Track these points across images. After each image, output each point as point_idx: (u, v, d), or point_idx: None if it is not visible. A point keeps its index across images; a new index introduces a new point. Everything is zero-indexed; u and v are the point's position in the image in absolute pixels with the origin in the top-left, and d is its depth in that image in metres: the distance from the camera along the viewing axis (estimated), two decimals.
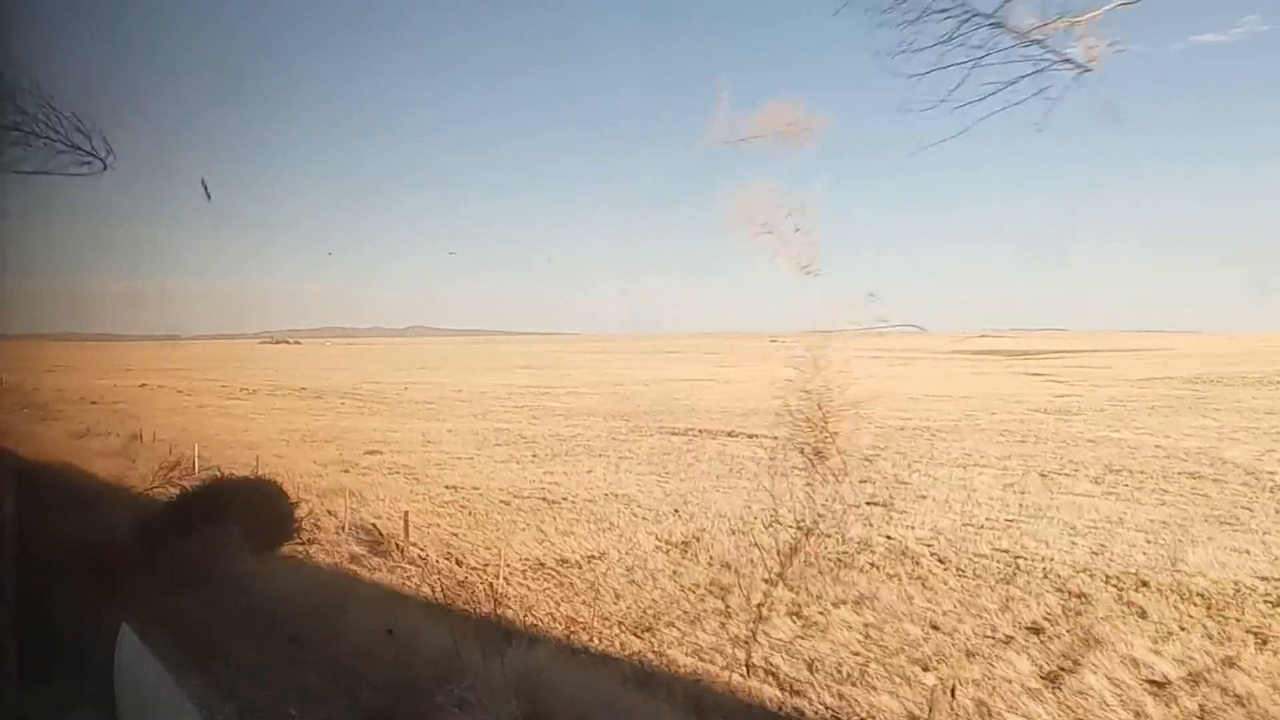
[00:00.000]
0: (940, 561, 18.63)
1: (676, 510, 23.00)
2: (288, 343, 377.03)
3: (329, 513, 21.56)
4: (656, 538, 20.07)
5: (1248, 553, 19.14)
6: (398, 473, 27.70)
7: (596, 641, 13.88)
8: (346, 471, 28.14)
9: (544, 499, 24.02)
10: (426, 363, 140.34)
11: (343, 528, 20.23)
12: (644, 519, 21.85)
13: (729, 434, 38.79)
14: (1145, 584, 17.07)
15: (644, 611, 15.25)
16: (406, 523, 19.93)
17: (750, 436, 37.62)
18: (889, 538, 20.53)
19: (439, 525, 21.23)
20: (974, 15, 5.65)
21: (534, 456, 31.55)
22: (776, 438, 38.12)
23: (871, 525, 21.22)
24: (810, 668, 12.93)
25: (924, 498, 25.01)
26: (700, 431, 39.89)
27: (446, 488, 25.37)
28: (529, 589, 16.38)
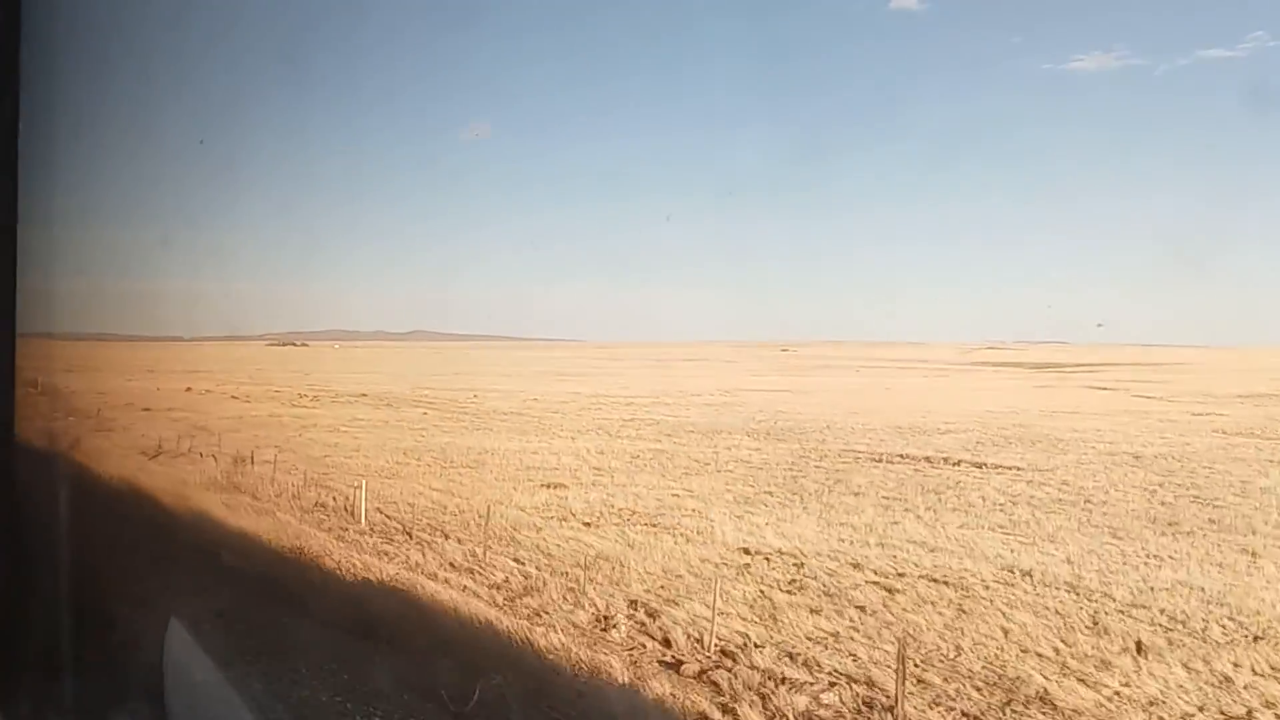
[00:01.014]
0: None
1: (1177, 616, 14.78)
2: (294, 345, 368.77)
3: (650, 619, 14.07)
4: None
5: None
6: (632, 524, 20.46)
7: None
8: (564, 521, 20.89)
9: (938, 581, 16.40)
10: (460, 368, 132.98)
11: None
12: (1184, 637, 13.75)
13: (944, 461, 31.67)
14: None
15: None
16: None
17: (979, 466, 30.57)
18: None
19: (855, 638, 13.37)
20: None
21: (767, 496, 24.39)
22: (1021, 468, 31.03)
23: None
24: None
25: None
26: (901, 457, 32.75)
27: (741, 550, 18.13)
28: None
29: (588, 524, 20.20)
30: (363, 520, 19.85)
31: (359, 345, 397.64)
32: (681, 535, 19.04)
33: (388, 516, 20.52)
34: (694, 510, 21.72)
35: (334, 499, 22.63)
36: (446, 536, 18.78)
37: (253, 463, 28.29)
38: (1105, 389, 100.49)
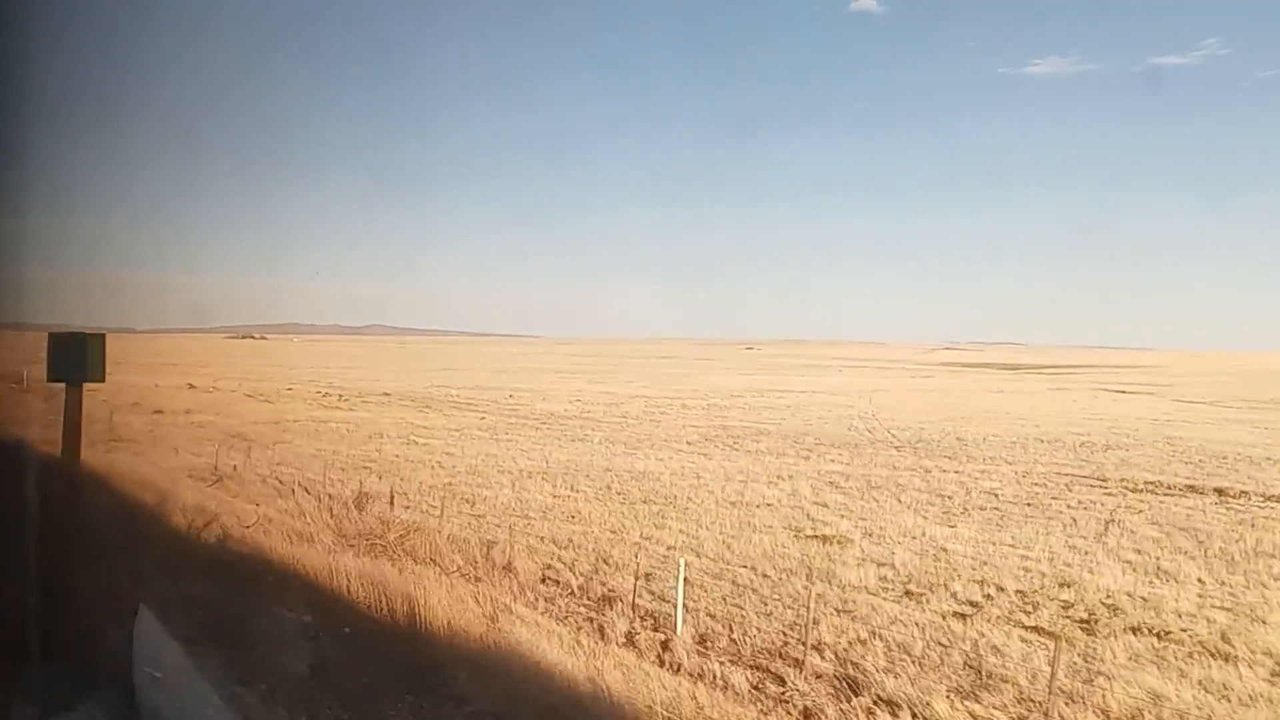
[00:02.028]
0: None
1: None
2: (254, 337, 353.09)
3: None
4: None
5: None
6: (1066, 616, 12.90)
7: None
8: (915, 601, 13.27)
9: None
10: (449, 364, 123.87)
11: None
12: None
13: (1234, 494, 24.88)
14: None
15: None
16: None
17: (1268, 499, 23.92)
18: None
19: None
20: None
21: (1136, 555, 17.14)
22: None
23: None
24: None
25: None
26: (1190, 489, 25.81)
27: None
28: None
29: (966, 610, 12.83)
30: (678, 628, 12.05)
31: (319, 338, 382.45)
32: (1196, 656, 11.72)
33: (711, 619, 12.67)
34: (1127, 594, 14.38)
35: (558, 567, 14.87)
36: (819, 653, 11.24)
37: (367, 500, 20.27)
38: (1126, 392, 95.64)
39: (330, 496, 21.03)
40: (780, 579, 14.79)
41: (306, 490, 22.05)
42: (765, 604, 13.50)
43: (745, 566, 15.56)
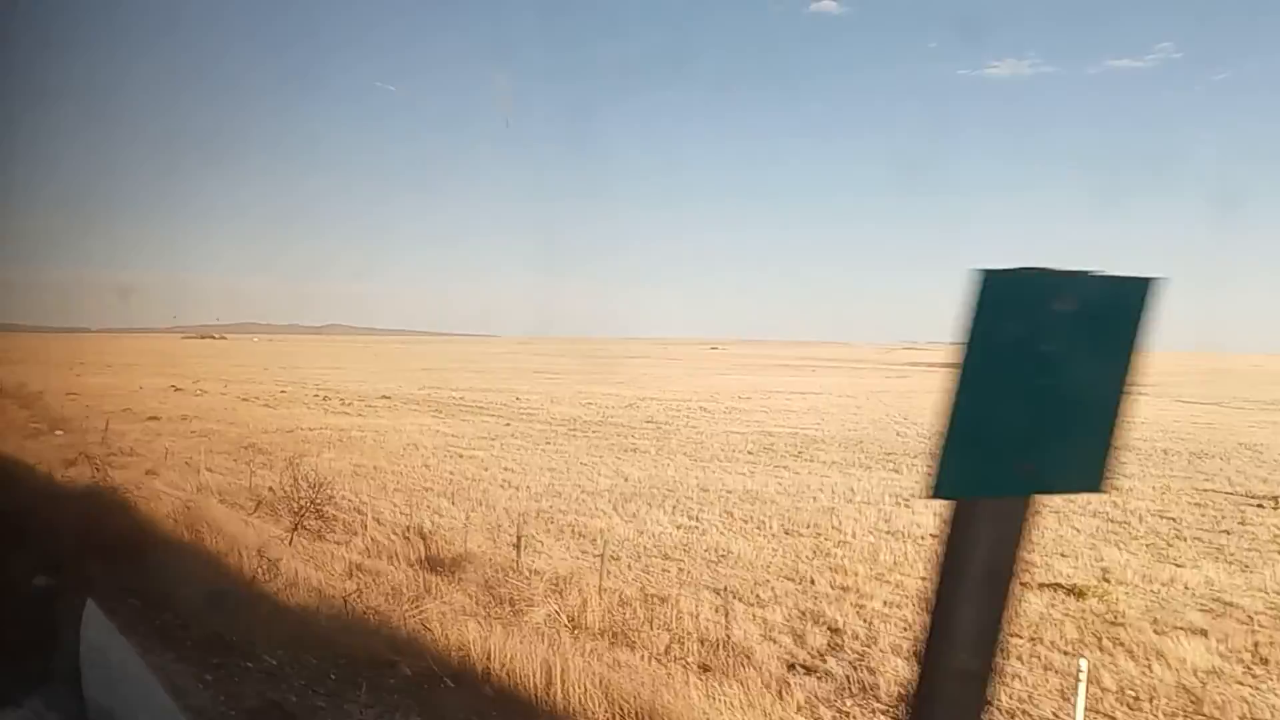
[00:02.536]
0: None
1: None
2: (213, 337, 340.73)
3: None
4: None
5: None
6: None
7: None
8: None
9: None
10: (426, 364, 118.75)
11: None
12: None
13: None
14: None
15: None
16: None
17: None
18: None
19: None
20: None
21: None
22: None
23: None
24: None
25: None
26: None
27: None
28: None
29: None
30: None
31: (278, 338, 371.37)
32: None
33: None
34: None
35: (786, 643, 11.09)
36: None
37: (472, 536, 16.26)
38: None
39: (420, 533, 16.95)
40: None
41: (379, 521, 17.95)
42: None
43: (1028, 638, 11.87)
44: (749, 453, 32.45)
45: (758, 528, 18.90)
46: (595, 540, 17.07)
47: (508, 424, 40.70)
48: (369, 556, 15.13)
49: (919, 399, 73.93)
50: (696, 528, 18.79)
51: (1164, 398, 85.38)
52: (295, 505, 18.90)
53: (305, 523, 17.53)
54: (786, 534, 18.36)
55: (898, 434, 41.48)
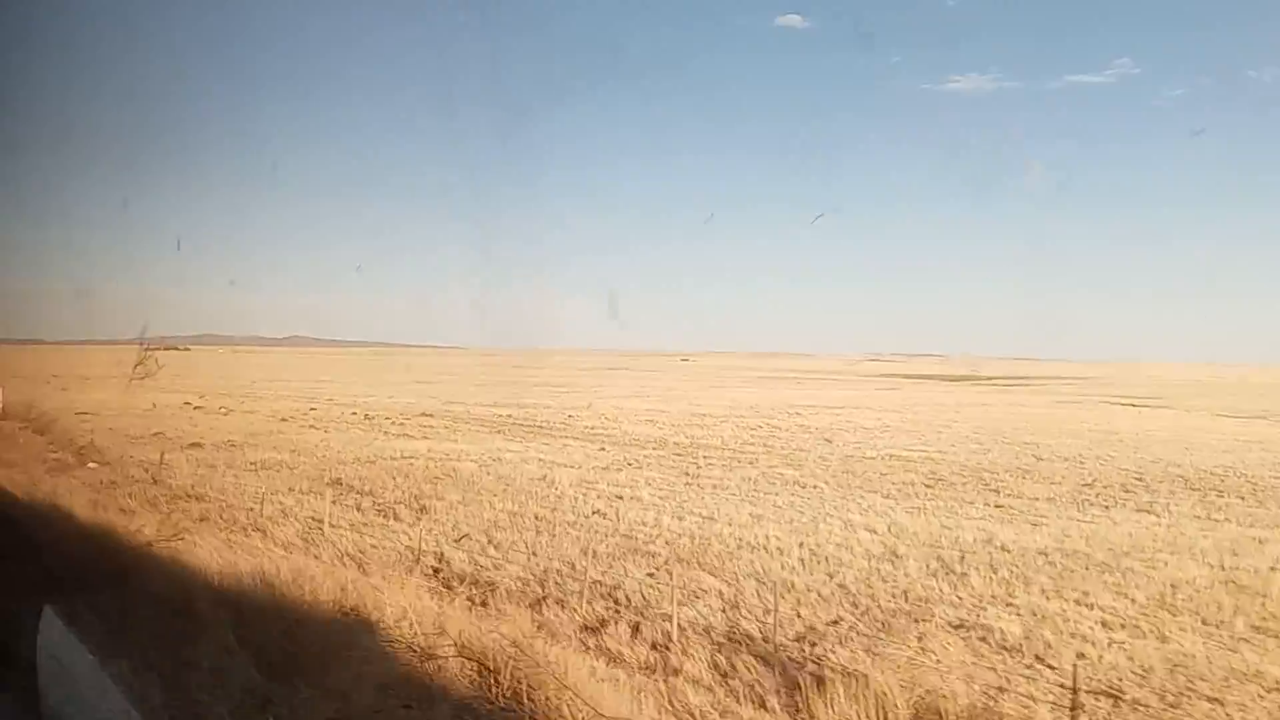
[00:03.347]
0: None
1: None
2: (178, 349, 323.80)
3: None
4: None
5: None
6: None
7: None
8: None
9: None
10: (418, 377, 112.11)
11: None
12: None
13: None
14: None
15: None
16: None
17: None
18: None
19: None
20: None
21: None
22: None
23: None
24: None
25: None
26: None
27: None
28: None
29: None
30: None
31: (241, 349, 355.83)
32: None
33: None
34: None
35: None
36: None
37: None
38: (1139, 406, 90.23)
39: (720, 638, 11.64)
40: None
41: (705, 630, 12.52)
42: None
43: None
44: (926, 485, 27.54)
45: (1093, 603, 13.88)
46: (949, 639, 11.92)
47: (602, 448, 35.37)
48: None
49: (941, 413, 69.14)
50: (1020, 604, 13.74)
51: (1179, 410, 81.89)
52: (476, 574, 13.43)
53: (606, 637, 11.92)
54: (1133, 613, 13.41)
55: (1016, 457, 36.94)
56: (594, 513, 20.89)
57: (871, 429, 49.77)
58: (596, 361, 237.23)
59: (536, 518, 20.00)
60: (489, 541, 17.32)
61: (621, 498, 23.07)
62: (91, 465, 24.74)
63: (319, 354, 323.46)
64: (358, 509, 20.74)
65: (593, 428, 43.81)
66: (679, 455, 33.45)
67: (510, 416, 48.55)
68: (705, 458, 32.82)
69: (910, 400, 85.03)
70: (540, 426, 43.93)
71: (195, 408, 44.69)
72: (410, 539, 17.18)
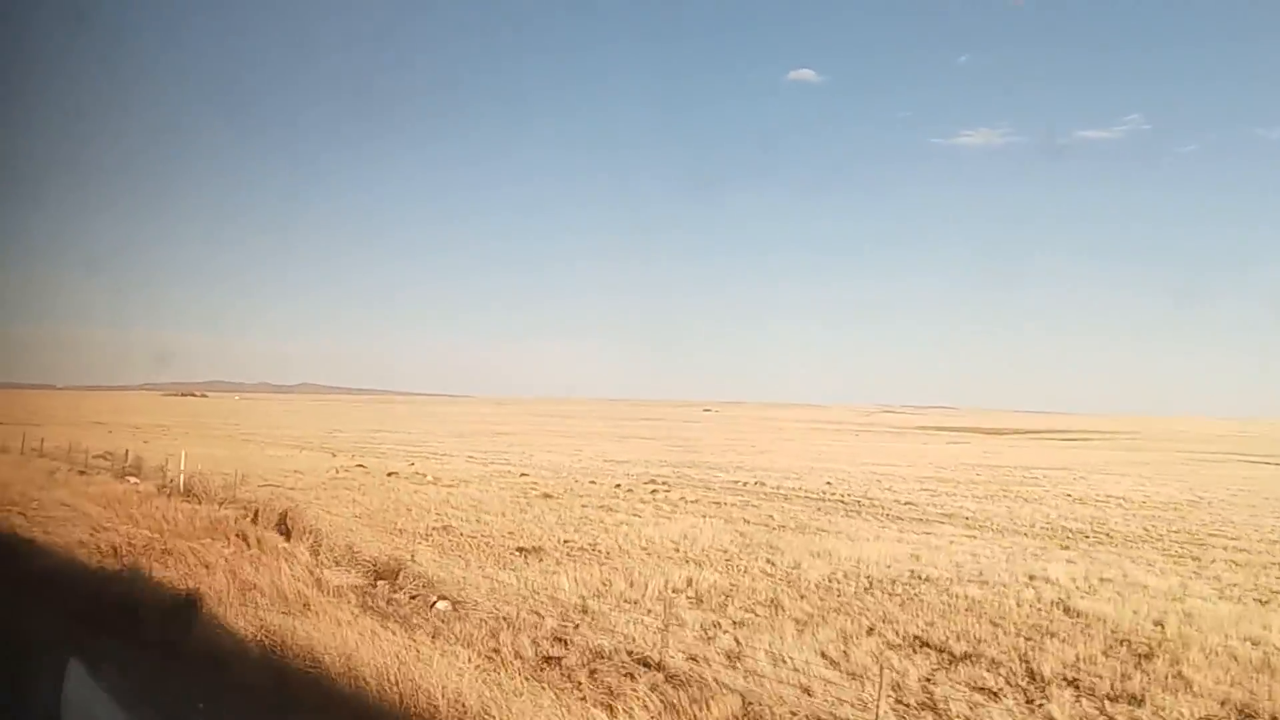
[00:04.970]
0: None
1: None
2: (194, 395, 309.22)
3: None
4: None
5: None
6: None
7: None
8: None
9: None
10: (456, 428, 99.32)
11: None
12: None
13: None
14: None
15: None
16: None
17: None
18: None
19: None
20: None
21: None
22: None
23: None
24: None
25: None
26: None
27: None
28: None
29: None
30: None
31: (252, 396, 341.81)
32: None
33: None
34: None
35: None
36: None
37: None
38: (1211, 460, 75.26)
39: None
40: None
41: None
42: None
43: None
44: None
45: None
46: None
47: (887, 527, 22.53)
48: None
49: (1221, 470, 54.60)
50: None
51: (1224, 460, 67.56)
52: None
53: None
54: None
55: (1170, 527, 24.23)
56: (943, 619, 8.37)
57: (968, 483, 37.75)
58: (628, 412, 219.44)
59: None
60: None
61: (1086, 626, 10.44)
62: (440, 605, 11.96)
63: (343, 400, 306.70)
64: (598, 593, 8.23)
65: (913, 503, 30.60)
66: (931, 528, 20.60)
67: (806, 489, 34.30)
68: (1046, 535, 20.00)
69: (1110, 460, 69.02)
70: (856, 503, 30.34)
71: (388, 474, 30.87)
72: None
